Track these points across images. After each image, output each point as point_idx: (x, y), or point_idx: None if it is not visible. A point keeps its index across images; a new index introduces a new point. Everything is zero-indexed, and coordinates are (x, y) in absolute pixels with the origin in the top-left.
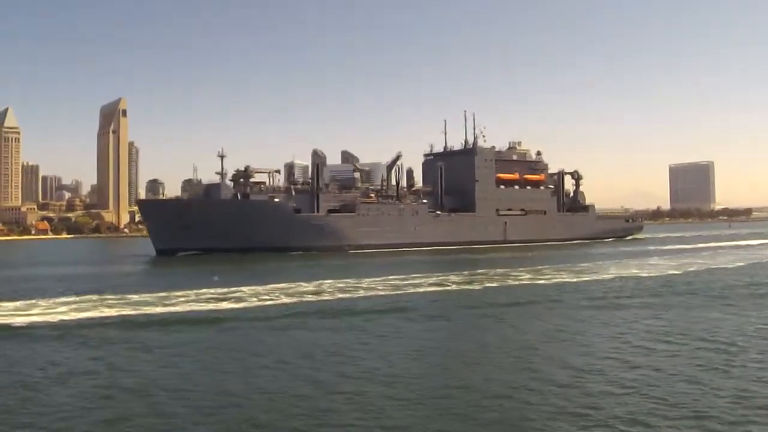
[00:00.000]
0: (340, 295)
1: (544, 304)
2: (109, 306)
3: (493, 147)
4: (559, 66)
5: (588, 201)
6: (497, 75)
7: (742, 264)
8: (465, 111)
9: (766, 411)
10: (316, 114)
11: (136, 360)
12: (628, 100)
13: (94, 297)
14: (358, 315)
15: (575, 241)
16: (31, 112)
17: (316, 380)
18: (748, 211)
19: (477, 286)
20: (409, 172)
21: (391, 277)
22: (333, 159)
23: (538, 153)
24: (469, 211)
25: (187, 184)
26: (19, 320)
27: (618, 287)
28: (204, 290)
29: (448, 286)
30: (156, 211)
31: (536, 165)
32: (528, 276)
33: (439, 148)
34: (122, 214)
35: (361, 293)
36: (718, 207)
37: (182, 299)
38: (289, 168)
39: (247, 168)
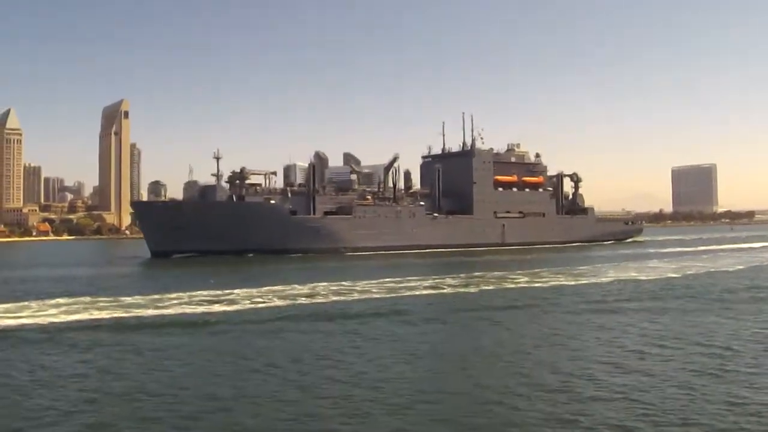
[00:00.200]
0: (334, 298)
1: (540, 308)
2: (100, 308)
3: (492, 149)
4: (560, 68)
5: (590, 204)
6: (498, 76)
7: (742, 267)
8: (463, 113)
9: (757, 417)
10: (318, 116)
11: (124, 363)
12: (630, 102)
13: (86, 299)
14: (351, 318)
15: (574, 244)
16: (34, 113)
17: (305, 384)
18: (750, 214)
19: (473, 289)
20: (407, 174)
21: (386, 279)
22: (336, 161)
23: (537, 155)
24: (466, 214)
25: (189, 185)
26: (7, 322)
27: (615, 290)
28: (197, 293)
29: (444, 289)
30: (150, 212)
31: (535, 167)
32: (525, 279)
33: (437, 150)
34: (124, 215)
35: (356, 296)
36: (720, 210)
37: (175, 302)
38: (287, 170)
39: (242, 169)
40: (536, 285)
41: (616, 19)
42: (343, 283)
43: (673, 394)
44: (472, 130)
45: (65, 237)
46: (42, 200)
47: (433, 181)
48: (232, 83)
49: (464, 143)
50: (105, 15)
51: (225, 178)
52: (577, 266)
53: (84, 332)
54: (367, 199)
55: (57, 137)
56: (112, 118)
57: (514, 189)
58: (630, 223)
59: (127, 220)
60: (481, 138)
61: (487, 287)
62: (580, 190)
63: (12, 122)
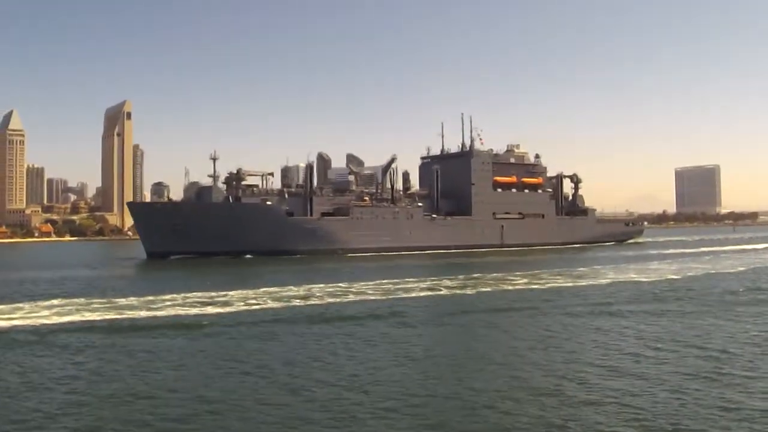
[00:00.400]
0: (329, 300)
1: (538, 310)
2: (92, 310)
3: (491, 150)
4: (562, 69)
5: (594, 205)
6: (498, 77)
7: (743, 269)
8: (462, 113)
9: (749, 423)
10: (322, 117)
11: (114, 366)
12: (633, 103)
13: (80, 300)
14: (344, 320)
15: (573, 245)
16: (37, 114)
17: (296, 387)
18: (753, 215)
19: (470, 291)
20: (405, 175)
21: (383, 281)
22: (340, 162)
23: (537, 156)
24: (465, 215)
25: (189, 187)
26: None
27: (613, 292)
28: (191, 294)
29: (440, 290)
30: (146, 214)
31: (534, 168)
32: (524, 281)
33: (436, 151)
34: (126, 216)
35: (351, 298)
36: (723, 211)
37: (168, 303)
38: (284, 171)
39: (239, 171)
40: (534, 287)
41: (618, 20)
42: (339, 284)
43: (666, 399)
44: (471, 131)
45: (67, 238)
46: (45, 201)
47: (431, 182)
48: (236, 85)
49: (463, 144)
50: (108, 16)
51: (222, 179)
52: (576, 268)
53: (75, 334)
54: (365, 201)
55: (60, 138)
56: (115, 119)
57: (514, 190)
58: (630, 224)
59: (129, 221)
60: (480, 139)
61: (484, 289)
62: (580, 191)
63: (15, 123)
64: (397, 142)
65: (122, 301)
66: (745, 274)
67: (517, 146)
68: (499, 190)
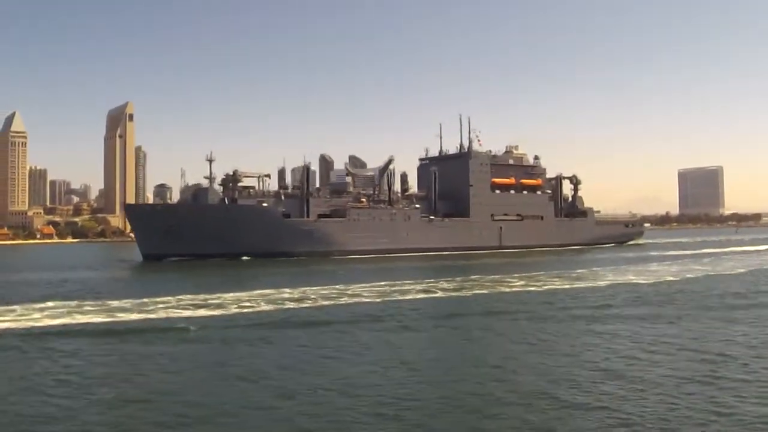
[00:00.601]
0: (323, 303)
1: (533, 312)
2: (83, 313)
3: (489, 151)
4: (562, 69)
5: (596, 206)
6: (498, 77)
7: (743, 270)
8: (460, 114)
9: (741, 428)
10: (324, 116)
11: (100, 369)
12: (636, 104)
13: (72, 303)
14: (338, 323)
15: (573, 247)
16: (40, 116)
17: (286, 392)
18: (757, 217)
19: (466, 293)
20: (403, 177)
21: (380, 283)
22: (343, 163)
23: (536, 157)
24: (463, 216)
25: (186, 189)
26: None
27: (611, 295)
28: (184, 296)
29: (436, 293)
30: (142, 215)
31: (533, 169)
32: (521, 283)
33: (435, 152)
34: None
35: (345, 300)
36: (727, 212)
37: (161, 306)
38: (281, 172)
39: (235, 172)
40: (532, 289)
41: (618, 20)
42: (334, 287)
43: (656, 403)
44: (469, 132)
45: (69, 240)
46: (48, 203)
47: (429, 184)
48: (236, 85)
49: (461, 145)
50: (108, 16)
51: (219, 180)
52: (574, 270)
53: (64, 337)
54: (362, 202)
55: (63, 140)
56: (117, 120)
57: (512, 191)
58: (630, 225)
59: None
60: (479, 140)
61: (481, 291)
62: (580, 193)
63: (17, 125)
64: (398, 142)
65: (115, 303)
66: (745, 276)
67: (516, 147)
68: (498, 191)
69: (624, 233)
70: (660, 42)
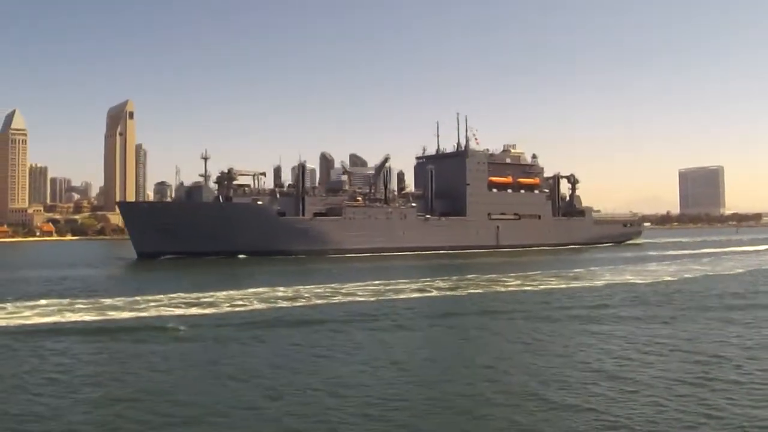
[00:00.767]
0: (317, 301)
1: (528, 312)
2: (75, 311)
3: (486, 150)
4: (565, 70)
5: (596, 206)
6: (499, 77)
7: (741, 270)
8: (457, 113)
9: (729, 430)
10: (324, 116)
11: (90, 368)
12: (637, 104)
13: (65, 301)
14: (330, 323)
15: (570, 247)
16: (41, 114)
17: (275, 392)
18: (757, 216)
19: (461, 293)
20: (400, 175)
21: (372, 282)
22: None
23: (534, 156)
24: (460, 215)
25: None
26: None
27: (607, 295)
28: (176, 295)
29: (431, 292)
30: (136, 213)
31: (531, 168)
32: (516, 282)
33: (432, 151)
34: None
35: (339, 299)
36: (727, 212)
37: (153, 304)
38: (277, 170)
39: (230, 170)
40: (527, 288)
41: (623, 21)
42: (329, 285)
43: (645, 405)
44: (467, 131)
45: (68, 237)
46: (48, 201)
47: (426, 183)
48: (236, 85)
49: (458, 144)
50: (108, 16)
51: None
52: (571, 269)
53: (54, 335)
54: (358, 201)
55: (63, 138)
56: (117, 118)
57: (509, 190)
58: (629, 225)
59: None
60: (476, 138)
61: (475, 290)
62: (578, 192)
63: (17, 122)
64: (398, 141)
65: (107, 301)
66: (744, 276)
67: (514, 146)
68: (495, 190)
69: (622, 233)
70: (661, 42)
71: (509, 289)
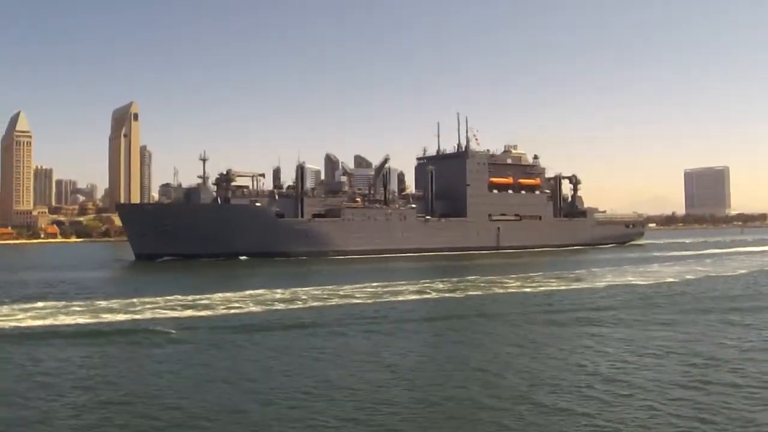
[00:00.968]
0: (313, 304)
1: (527, 314)
2: (69, 314)
3: (487, 150)
4: (565, 70)
5: (601, 207)
6: (499, 78)
7: (744, 271)
8: (457, 113)
9: None
10: (324, 116)
11: (76, 372)
12: (642, 105)
13: (60, 304)
14: (326, 326)
15: (572, 248)
16: (45, 116)
17: (263, 396)
18: (763, 217)
19: (460, 294)
20: (400, 176)
21: (370, 284)
22: (348, 163)
23: (535, 157)
24: (460, 216)
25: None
26: None
27: (607, 296)
28: (173, 297)
29: (429, 294)
30: (134, 215)
31: (532, 169)
32: (516, 284)
33: (432, 152)
34: None
35: (336, 301)
36: (733, 212)
37: (149, 306)
38: (276, 172)
39: (229, 171)
40: (527, 290)
41: (623, 21)
42: (326, 287)
43: (639, 409)
44: (467, 131)
45: (73, 239)
46: (53, 203)
47: (426, 184)
48: (236, 85)
49: (459, 145)
50: (109, 16)
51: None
52: (572, 270)
53: (48, 338)
54: (357, 202)
55: (70, 140)
56: (122, 120)
57: (510, 191)
58: (631, 225)
59: None
60: (476, 139)
61: (474, 292)
62: (580, 192)
63: (22, 124)
64: (399, 141)
65: (102, 304)
66: (746, 277)
67: (515, 147)
68: (495, 191)
69: (625, 233)
70: (661, 42)
71: (509, 291)
